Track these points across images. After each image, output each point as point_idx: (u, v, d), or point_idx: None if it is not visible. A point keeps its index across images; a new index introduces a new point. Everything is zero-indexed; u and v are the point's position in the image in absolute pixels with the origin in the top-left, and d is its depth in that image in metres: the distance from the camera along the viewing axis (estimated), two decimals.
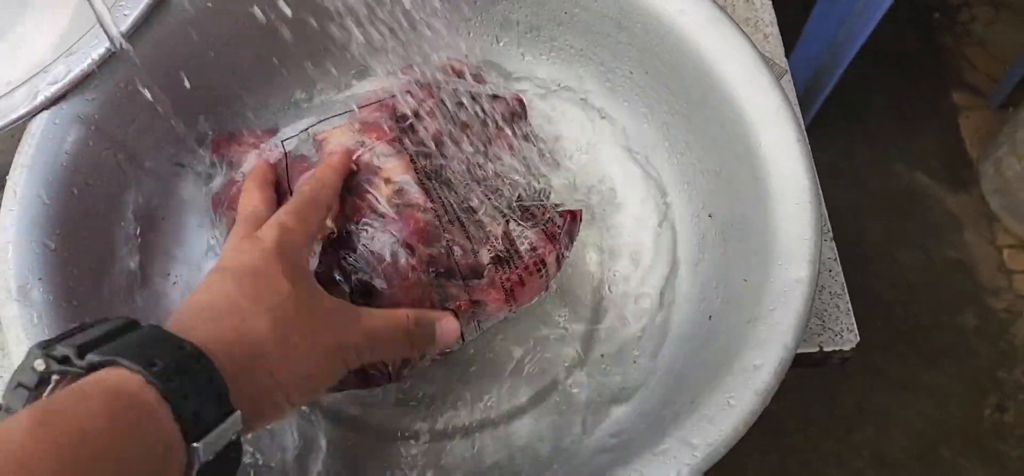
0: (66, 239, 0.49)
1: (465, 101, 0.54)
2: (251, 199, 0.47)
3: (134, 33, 0.53)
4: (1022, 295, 1.54)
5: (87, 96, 0.52)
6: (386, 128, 0.52)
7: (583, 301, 0.58)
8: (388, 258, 0.47)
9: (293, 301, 0.37)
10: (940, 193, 1.65)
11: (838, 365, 0.59)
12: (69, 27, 0.56)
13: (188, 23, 0.56)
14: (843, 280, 0.59)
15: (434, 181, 0.50)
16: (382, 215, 0.48)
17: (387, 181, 0.49)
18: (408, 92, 0.53)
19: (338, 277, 0.47)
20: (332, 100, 0.60)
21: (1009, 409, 1.44)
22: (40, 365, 0.31)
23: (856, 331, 0.57)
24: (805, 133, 0.52)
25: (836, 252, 0.60)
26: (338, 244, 0.48)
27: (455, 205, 0.50)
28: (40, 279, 0.47)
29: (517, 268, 0.50)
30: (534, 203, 0.54)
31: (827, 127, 1.65)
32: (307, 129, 0.53)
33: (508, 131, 0.56)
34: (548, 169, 0.61)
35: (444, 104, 0.54)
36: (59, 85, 0.51)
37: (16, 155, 0.50)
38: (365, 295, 0.47)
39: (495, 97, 0.57)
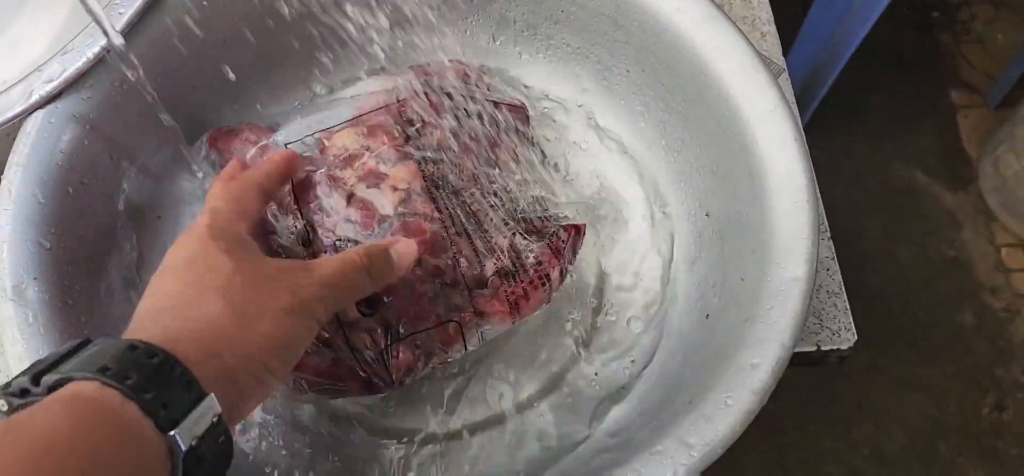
0: (61, 238, 0.49)
1: (470, 107, 0.54)
2: (212, 195, 0.45)
3: (129, 32, 0.53)
4: (1020, 293, 1.54)
5: (82, 95, 0.52)
6: (392, 133, 0.51)
7: (580, 301, 0.58)
8: None
9: (238, 274, 0.37)
10: (938, 191, 1.65)
11: (836, 364, 0.59)
12: (65, 26, 0.56)
13: (184, 22, 0.56)
14: (841, 279, 0.59)
15: (441, 190, 0.50)
16: (389, 224, 0.48)
17: (394, 188, 0.49)
18: (413, 96, 0.53)
19: None
20: (333, 100, 0.59)
21: (1007, 407, 1.44)
22: (1, 406, 0.31)
23: (854, 330, 0.57)
24: (802, 131, 0.52)
25: (833, 251, 0.60)
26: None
27: (462, 215, 0.49)
28: (35, 278, 0.47)
29: (522, 282, 0.50)
30: (538, 215, 0.54)
31: (825, 125, 1.65)
32: (310, 128, 0.52)
33: (511, 137, 0.56)
34: (548, 175, 0.61)
35: (449, 110, 0.53)
36: (54, 84, 0.51)
37: (11, 154, 0.50)
38: (370, 306, 0.47)
39: (498, 103, 0.57)
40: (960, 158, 1.69)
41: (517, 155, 0.56)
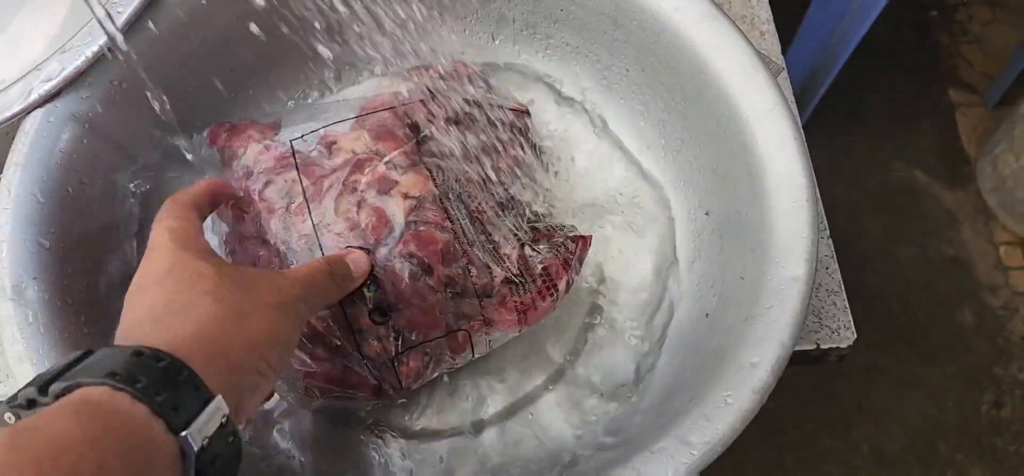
0: (61, 237, 0.49)
1: (475, 111, 0.53)
2: (161, 218, 0.43)
3: (128, 30, 0.53)
4: (1019, 292, 1.54)
5: (81, 94, 0.52)
6: (400, 137, 0.51)
7: (580, 299, 0.58)
8: (407, 278, 0.47)
9: (224, 278, 0.37)
10: (937, 190, 1.65)
11: (835, 362, 0.59)
12: (63, 25, 0.55)
13: (184, 21, 0.56)
14: (840, 278, 0.59)
15: (451, 198, 0.50)
16: (400, 233, 0.47)
17: (405, 196, 0.48)
18: (420, 100, 0.53)
19: (355, 300, 0.47)
20: (336, 100, 0.59)
21: (1006, 405, 1.44)
22: (9, 418, 0.31)
23: (853, 328, 0.57)
24: (801, 130, 0.52)
25: (833, 250, 0.60)
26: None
27: (472, 224, 0.49)
28: (35, 278, 0.47)
29: (530, 291, 0.50)
30: (545, 223, 0.54)
31: (824, 125, 1.65)
32: (315, 130, 0.52)
33: (516, 143, 0.56)
34: (550, 178, 0.61)
35: (455, 113, 0.53)
36: (53, 82, 0.51)
37: (10, 153, 0.50)
38: (382, 314, 0.47)
39: (501, 107, 0.57)
40: (959, 157, 1.69)
41: (521, 159, 0.56)
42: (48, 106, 0.51)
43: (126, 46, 0.50)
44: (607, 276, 0.59)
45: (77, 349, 0.45)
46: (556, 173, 0.62)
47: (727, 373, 0.43)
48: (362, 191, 0.48)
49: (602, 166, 0.63)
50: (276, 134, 0.52)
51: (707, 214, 0.57)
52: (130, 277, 0.54)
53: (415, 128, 0.52)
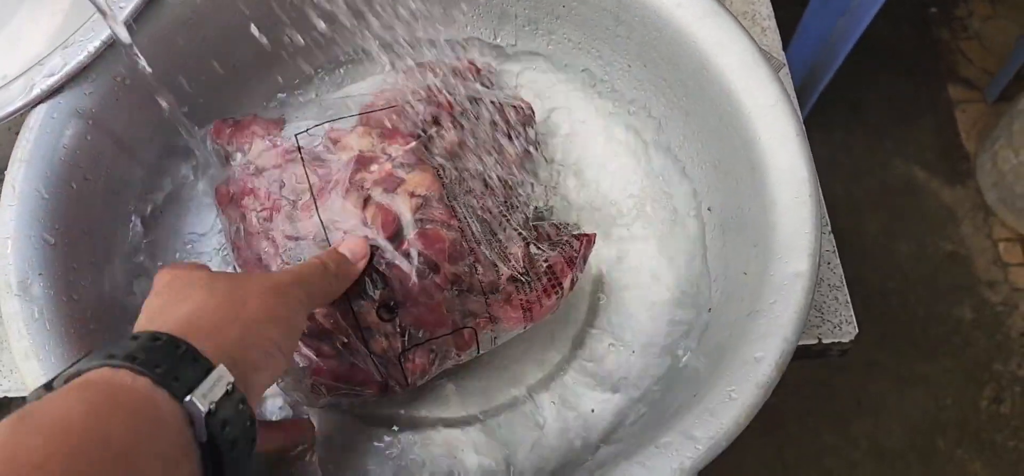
0: (65, 234, 0.49)
1: (479, 110, 0.53)
2: None
3: (131, 25, 0.53)
4: (1018, 288, 1.55)
5: (85, 89, 0.52)
6: (406, 134, 0.51)
7: (583, 295, 0.58)
8: (414, 277, 0.47)
9: (217, 277, 0.39)
10: (936, 187, 1.65)
11: (837, 357, 0.59)
12: (65, 20, 0.56)
13: (187, 16, 0.56)
14: (842, 273, 0.60)
15: (458, 196, 0.50)
16: (408, 231, 0.47)
17: (411, 194, 0.48)
18: (425, 97, 0.53)
19: (362, 297, 0.47)
20: (341, 97, 0.59)
21: (1005, 401, 1.44)
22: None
23: (855, 323, 0.57)
24: (803, 126, 0.52)
25: (834, 245, 0.60)
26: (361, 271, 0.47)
27: (478, 222, 0.49)
28: (40, 274, 0.47)
29: (536, 290, 0.50)
30: (549, 221, 0.54)
31: (824, 122, 1.65)
32: (320, 124, 0.52)
33: (520, 140, 0.56)
34: (553, 175, 0.61)
35: (459, 110, 0.53)
36: (56, 78, 0.51)
37: (14, 149, 0.50)
38: (389, 311, 0.47)
39: (504, 105, 0.57)
40: (958, 154, 1.69)
41: (525, 157, 0.56)
42: (51, 101, 0.51)
43: (128, 39, 0.50)
44: (609, 272, 0.59)
45: (83, 345, 0.45)
46: (558, 170, 0.62)
47: (731, 368, 0.43)
48: (368, 189, 0.48)
49: (604, 163, 0.63)
50: (281, 130, 0.52)
51: (709, 210, 0.57)
52: (135, 272, 0.55)
53: (420, 126, 0.52)
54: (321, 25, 0.52)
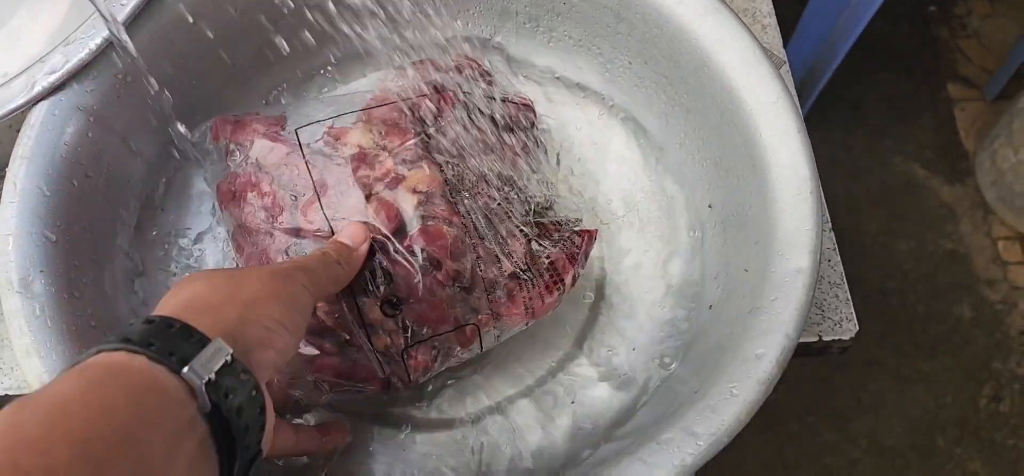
0: (67, 231, 0.49)
1: (481, 105, 0.53)
2: None
3: (132, 23, 0.53)
4: (1017, 286, 1.55)
5: (86, 86, 0.52)
6: (407, 131, 0.51)
7: (584, 292, 0.58)
8: (417, 273, 0.47)
9: (214, 270, 0.40)
10: (936, 185, 1.66)
11: (838, 354, 0.59)
12: (66, 17, 0.55)
13: (187, 13, 0.56)
14: (842, 270, 0.60)
15: (459, 192, 0.50)
16: (408, 227, 0.47)
17: (413, 191, 0.48)
18: (424, 94, 0.53)
19: (366, 293, 0.47)
20: (343, 94, 0.58)
21: (1004, 399, 1.45)
22: None
23: (855, 321, 0.57)
24: (804, 123, 0.52)
25: (835, 242, 0.61)
26: (365, 257, 0.47)
27: (479, 219, 0.49)
28: (41, 271, 0.47)
29: (537, 286, 0.50)
30: (551, 218, 0.54)
31: (823, 120, 1.66)
32: (321, 121, 0.52)
33: (521, 136, 0.56)
34: (555, 172, 0.61)
35: (461, 107, 0.53)
36: (57, 75, 0.51)
37: (15, 146, 0.50)
38: (393, 306, 0.47)
39: (505, 101, 0.57)
40: (957, 152, 1.69)
41: (526, 153, 0.56)
42: (53, 99, 0.51)
43: (124, 36, 0.50)
44: (611, 269, 0.59)
45: (84, 342, 0.46)
46: (560, 167, 0.62)
47: (732, 365, 0.43)
48: (371, 185, 0.48)
49: (605, 160, 0.63)
50: (282, 128, 0.52)
51: (710, 207, 0.57)
52: (136, 270, 0.55)
53: (422, 122, 0.52)
54: (320, 25, 0.52)
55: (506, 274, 0.49)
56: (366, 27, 0.50)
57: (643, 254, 0.59)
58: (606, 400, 0.54)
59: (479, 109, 0.53)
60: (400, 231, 0.47)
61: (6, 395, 0.55)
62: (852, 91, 1.70)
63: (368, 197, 0.48)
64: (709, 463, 0.41)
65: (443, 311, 0.48)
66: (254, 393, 0.34)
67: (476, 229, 0.49)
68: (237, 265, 0.53)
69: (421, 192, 0.48)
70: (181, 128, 0.54)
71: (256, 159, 0.51)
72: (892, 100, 1.75)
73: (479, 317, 0.49)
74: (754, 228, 0.51)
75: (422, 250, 0.47)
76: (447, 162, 0.51)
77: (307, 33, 0.57)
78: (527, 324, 0.51)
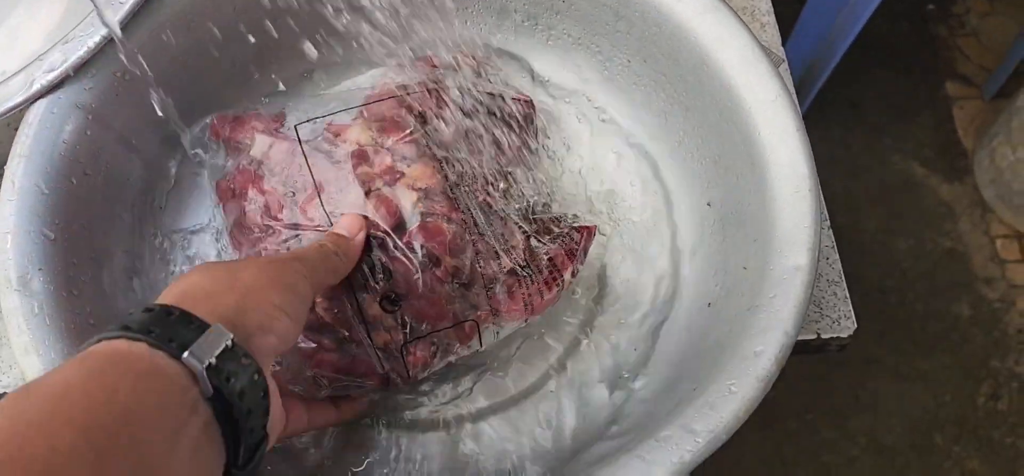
0: (65, 229, 0.49)
1: (480, 102, 0.53)
2: None
3: (129, 22, 0.53)
4: (1015, 284, 1.55)
5: (84, 84, 0.52)
6: (406, 127, 0.51)
7: (583, 290, 0.58)
8: (416, 270, 0.47)
9: (211, 263, 0.40)
10: (934, 183, 1.66)
11: (836, 352, 0.59)
12: (65, 15, 0.55)
13: (185, 11, 0.56)
14: (841, 268, 0.60)
15: (459, 189, 0.50)
16: (409, 224, 0.47)
17: (412, 187, 0.48)
18: (424, 90, 0.53)
19: (366, 289, 0.47)
20: (342, 91, 0.58)
21: (1003, 397, 1.45)
22: None
23: (854, 318, 0.58)
24: (803, 121, 0.52)
25: (833, 240, 0.61)
26: (365, 253, 0.47)
27: (479, 215, 0.49)
28: (40, 269, 0.47)
29: (536, 282, 0.50)
30: (550, 214, 0.54)
31: (822, 118, 1.66)
32: (320, 118, 0.52)
33: (521, 133, 0.56)
34: (554, 169, 0.61)
35: (460, 104, 0.53)
36: (55, 73, 0.51)
37: (13, 144, 0.50)
38: (392, 302, 0.47)
39: (505, 98, 0.57)
40: (956, 150, 1.69)
41: (525, 150, 0.56)
42: (51, 97, 0.51)
43: (121, 34, 0.50)
44: (610, 267, 0.59)
45: (82, 340, 0.45)
46: (559, 164, 0.62)
47: (731, 362, 0.43)
48: (370, 182, 0.48)
49: (604, 157, 0.63)
50: (282, 125, 0.52)
51: (709, 205, 0.57)
52: (134, 268, 0.55)
53: (421, 119, 0.52)
54: (319, 24, 0.52)
55: (505, 270, 0.49)
56: (367, 26, 0.50)
57: (641, 252, 0.59)
58: (604, 398, 0.54)
59: (479, 106, 0.53)
60: (399, 227, 0.47)
61: (4, 393, 0.55)
62: (851, 89, 1.71)
63: (367, 193, 0.48)
64: (708, 460, 0.41)
65: (442, 307, 0.48)
66: (256, 377, 0.34)
67: (475, 225, 0.49)
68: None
69: (420, 188, 0.48)
70: (181, 129, 0.54)
71: (256, 156, 0.51)
72: (891, 98, 1.76)
73: (478, 313, 0.49)
74: (753, 226, 0.51)
75: (421, 246, 0.47)
76: (446, 159, 0.51)
77: (307, 32, 0.56)
78: (526, 320, 0.51)
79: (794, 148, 0.50)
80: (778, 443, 1.40)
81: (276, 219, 0.49)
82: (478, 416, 0.54)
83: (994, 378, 1.47)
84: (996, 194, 1.61)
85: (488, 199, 0.50)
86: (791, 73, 0.68)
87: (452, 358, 0.51)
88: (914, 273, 1.56)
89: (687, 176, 0.60)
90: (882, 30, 1.79)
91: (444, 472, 0.53)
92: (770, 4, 0.72)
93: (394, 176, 0.48)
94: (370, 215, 0.47)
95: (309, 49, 0.60)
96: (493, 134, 0.53)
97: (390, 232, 0.47)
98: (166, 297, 0.35)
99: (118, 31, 0.50)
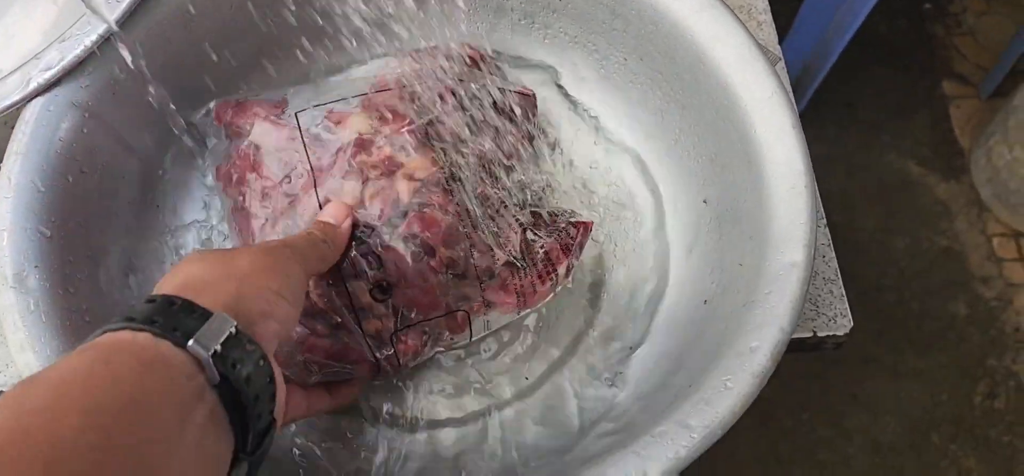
0: (61, 226, 0.49)
1: (481, 95, 0.53)
2: None
3: (127, 19, 0.53)
4: (1012, 283, 1.55)
5: (81, 82, 0.52)
6: (407, 118, 0.51)
7: (580, 286, 0.58)
8: (409, 260, 0.47)
9: (206, 251, 0.41)
10: (931, 182, 1.66)
11: (832, 350, 0.59)
12: (61, 13, 0.55)
13: (182, 9, 0.56)
14: (837, 266, 0.60)
15: (456, 180, 0.50)
16: (404, 214, 0.48)
17: (409, 178, 0.48)
18: (426, 81, 0.53)
19: (358, 277, 0.47)
20: (344, 80, 0.58)
21: (999, 396, 1.45)
22: None
23: (850, 316, 0.58)
24: (799, 118, 0.52)
25: (829, 238, 0.61)
26: (358, 242, 0.47)
27: (475, 207, 0.49)
28: (36, 266, 0.47)
29: (530, 275, 0.50)
30: (547, 209, 0.54)
31: (819, 117, 1.66)
32: (321, 105, 0.52)
33: (521, 127, 0.56)
34: (553, 164, 0.61)
35: (462, 96, 0.53)
36: (52, 71, 0.51)
37: (10, 142, 0.50)
38: (383, 291, 0.47)
39: (507, 91, 0.57)
40: (953, 149, 1.70)
41: (525, 144, 0.56)
42: (48, 95, 0.51)
43: (119, 30, 0.50)
44: (606, 263, 0.59)
45: (79, 338, 0.46)
46: (556, 160, 0.62)
47: (726, 358, 0.43)
48: (368, 170, 0.48)
49: (601, 154, 0.63)
50: (283, 112, 0.52)
51: (705, 202, 0.58)
52: (131, 266, 0.55)
53: (421, 110, 0.52)
54: (318, 21, 0.52)
55: (500, 263, 0.49)
56: (365, 23, 0.50)
57: (638, 248, 0.59)
58: (601, 395, 0.54)
59: (480, 98, 0.53)
60: (396, 217, 0.47)
61: (1, 391, 0.55)
62: (848, 87, 1.71)
63: (365, 182, 0.48)
64: (704, 460, 0.41)
65: (435, 297, 0.48)
66: (261, 362, 0.34)
67: (471, 218, 0.49)
68: (232, 246, 0.53)
69: (418, 179, 0.48)
70: (178, 116, 0.54)
71: (256, 142, 0.51)
72: (887, 97, 1.76)
73: (471, 305, 0.49)
74: (749, 223, 0.51)
75: (416, 236, 0.47)
76: (445, 150, 0.51)
77: (305, 29, 0.57)
78: (518, 313, 0.52)
79: (790, 145, 0.50)
80: (774, 441, 1.40)
81: (275, 205, 0.49)
82: (474, 417, 0.54)
83: (991, 377, 1.47)
84: (993, 193, 1.61)
85: (486, 192, 0.51)
86: (788, 71, 0.68)
87: (442, 348, 0.52)
88: (911, 272, 1.56)
89: (683, 173, 0.60)
90: (879, 28, 1.79)
91: (441, 471, 0.53)
92: (766, 3, 0.72)
93: (392, 166, 0.49)
94: (367, 204, 0.47)
95: (307, 48, 0.60)
96: (494, 126, 0.53)
97: (385, 221, 0.47)
98: (166, 287, 0.35)
99: (117, 29, 0.50)
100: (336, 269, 0.46)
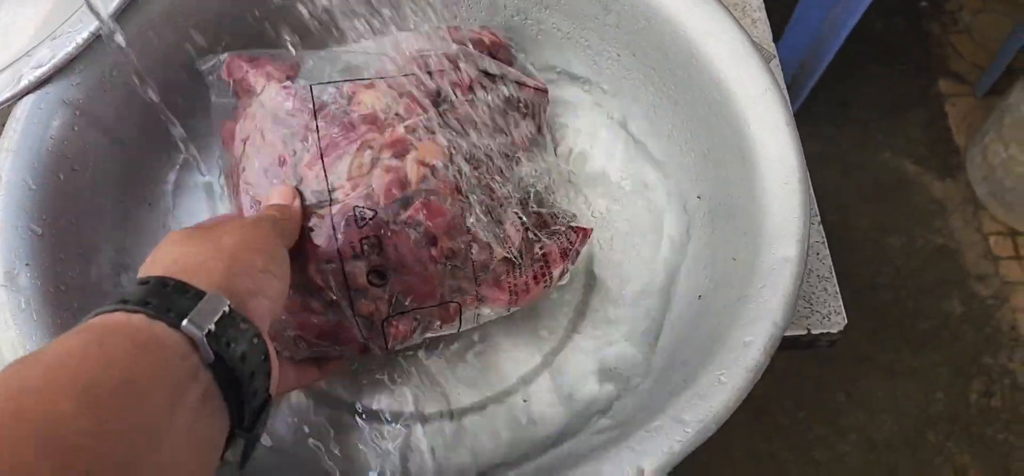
0: (53, 224, 0.49)
1: (496, 85, 0.53)
2: None
3: (119, 16, 0.53)
4: (1008, 281, 1.55)
5: (72, 80, 0.52)
6: (422, 101, 0.50)
7: (574, 284, 0.58)
8: (411, 246, 0.46)
9: (191, 228, 0.40)
10: (927, 180, 1.66)
11: (826, 348, 0.59)
12: (53, 11, 0.55)
13: (176, 7, 0.56)
14: (831, 263, 0.60)
15: (464, 171, 0.49)
16: (410, 200, 0.47)
17: (420, 163, 0.47)
18: (444, 65, 0.52)
19: (356, 259, 0.46)
20: (356, 50, 0.56)
21: (995, 394, 1.45)
22: None
23: (844, 314, 0.58)
24: (793, 115, 0.52)
25: (824, 235, 0.61)
26: (359, 223, 0.46)
27: (480, 199, 0.49)
28: (27, 264, 0.47)
29: (525, 275, 0.50)
30: (548, 209, 0.54)
31: (814, 115, 1.66)
32: (336, 82, 0.50)
33: (531, 121, 0.56)
34: (554, 162, 0.61)
35: (478, 85, 0.52)
36: (43, 69, 0.51)
37: (1, 140, 0.50)
38: (380, 276, 0.47)
39: (524, 84, 0.56)
40: (948, 147, 1.70)
41: (534, 139, 0.56)
42: (39, 92, 0.51)
43: (113, 26, 0.50)
44: (601, 260, 0.59)
45: None
46: (563, 155, 0.62)
47: (721, 353, 0.43)
48: (378, 151, 0.47)
49: (596, 151, 0.63)
50: (296, 76, 0.50)
51: (699, 198, 0.57)
52: (122, 263, 0.55)
53: (437, 95, 0.51)
54: (316, 18, 0.52)
55: (497, 259, 0.49)
56: (364, 22, 0.50)
57: (632, 246, 0.59)
58: (596, 390, 0.54)
59: (493, 88, 0.53)
60: (403, 201, 0.47)
61: None
62: (843, 85, 1.71)
63: (373, 163, 0.47)
64: (699, 460, 0.41)
65: (431, 286, 0.48)
66: (255, 340, 0.34)
67: (475, 210, 0.49)
68: (229, 201, 0.53)
69: (427, 165, 0.48)
70: (171, 122, 0.54)
71: (265, 103, 0.49)
72: (883, 95, 1.76)
73: (465, 297, 0.49)
74: (742, 219, 0.51)
75: (420, 224, 0.46)
76: (455, 138, 0.50)
77: (301, 27, 0.56)
78: (509, 310, 0.51)
79: (784, 141, 0.50)
80: (769, 439, 1.40)
81: (277, 171, 0.48)
82: (468, 411, 0.54)
83: (987, 375, 1.47)
84: (988, 191, 1.61)
85: (492, 185, 0.50)
86: (784, 70, 0.68)
87: (430, 335, 0.51)
88: (906, 270, 1.57)
89: (677, 170, 0.60)
90: (875, 26, 1.79)
91: (435, 466, 0.53)
92: (761, 0, 0.72)
93: (403, 148, 0.47)
94: (373, 183, 0.46)
95: (302, 44, 0.59)
96: (505, 118, 0.53)
97: (390, 204, 0.46)
98: (156, 268, 0.35)
99: (111, 26, 0.50)
100: (334, 249, 0.46)
